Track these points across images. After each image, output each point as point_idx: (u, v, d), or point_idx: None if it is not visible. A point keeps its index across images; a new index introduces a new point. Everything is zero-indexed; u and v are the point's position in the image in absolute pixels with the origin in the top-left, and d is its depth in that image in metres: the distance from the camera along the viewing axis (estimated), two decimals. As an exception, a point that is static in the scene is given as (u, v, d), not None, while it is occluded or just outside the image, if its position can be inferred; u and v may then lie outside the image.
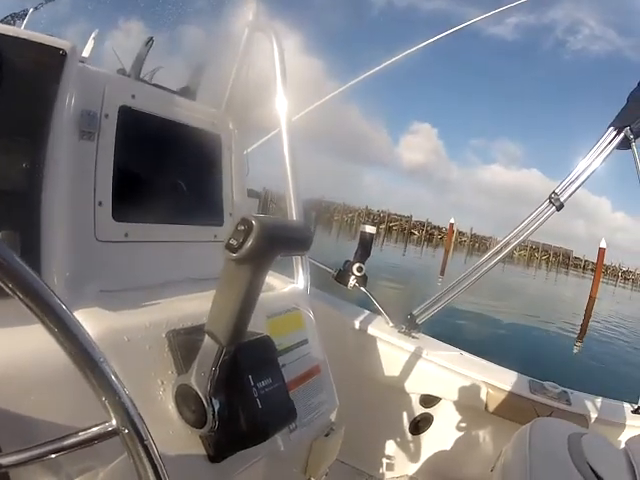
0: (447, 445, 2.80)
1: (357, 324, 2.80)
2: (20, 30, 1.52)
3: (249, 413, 1.35)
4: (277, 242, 1.21)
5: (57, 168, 1.47)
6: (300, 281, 2.20)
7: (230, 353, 1.27)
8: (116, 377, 0.75)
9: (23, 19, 2.40)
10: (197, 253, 2.01)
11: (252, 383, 1.38)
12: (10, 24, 1.85)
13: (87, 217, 1.62)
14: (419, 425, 2.86)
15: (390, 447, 2.90)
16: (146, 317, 1.43)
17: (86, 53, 2.05)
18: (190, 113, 2.11)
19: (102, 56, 2.22)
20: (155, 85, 2.13)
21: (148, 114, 1.90)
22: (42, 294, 0.70)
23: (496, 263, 2.91)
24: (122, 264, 1.72)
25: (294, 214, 2.23)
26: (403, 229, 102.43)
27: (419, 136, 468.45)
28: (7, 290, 0.67)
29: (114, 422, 0.74)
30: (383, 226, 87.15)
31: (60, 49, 1.53)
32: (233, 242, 1.10)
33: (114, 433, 0.74)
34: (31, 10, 2.43)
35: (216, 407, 1.27)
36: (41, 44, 1.50)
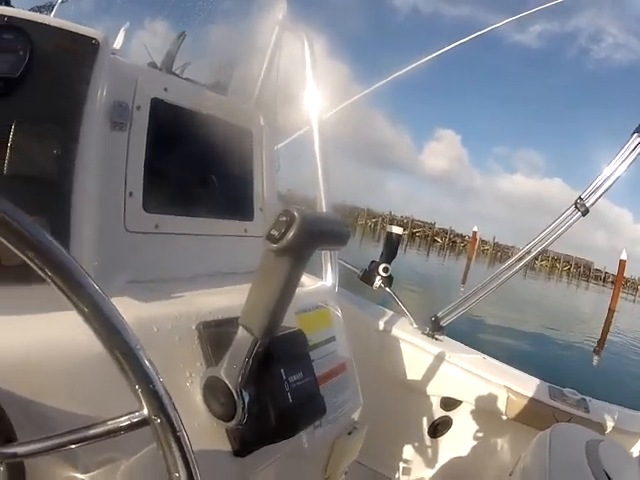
0: (465, 449, 2.75)
1: (381, 324, 2.77)
2: (52, 18, 1.50)
3: (279, 407, 1.32)
4: (317, 235, 1.19)
5: (88, 157, 1.45)
6: (328, 279, 2.18)
7: (264, 346, 1.24)
8: (151, 364, 0.71)
9: (48, 11, 2.38)
10: (227, 247, 1.99)
11: (284, 377, 1.36)
12: None
13: (117, 207, 1.61)
14: (438, 428, 2.81)
15: (408, 450, 2.85)
16: (176, 308, 1.41)
17: (117, 45, 2.04)
18: (222, 108, 2.08)
19: (132, 50, 2.22)
20: (186, 79, 2.11)
21: (180, 107, 1.89)
22: (75, 273, 0.67)
23: (520, 268, 2.86)
24: (151, 255, 1.69)
25: None
26: (426, 236, 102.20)
27: (443, 143, 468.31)
28: (37, 269, 0.64)
29: (145, 411, 0.70)
30: (407, 232, 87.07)
31: (92, 39, 1.50)
32: (274, 233, 1.08)
33: (144, 423, 0.71)
34: (59, 1, 2.42)
35: (246, 400, 1.24)
36: (73, 33, 1.48)
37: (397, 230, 2.66)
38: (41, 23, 1.43)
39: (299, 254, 1.14)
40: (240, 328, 1.23)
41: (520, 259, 2.84)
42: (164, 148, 1.80)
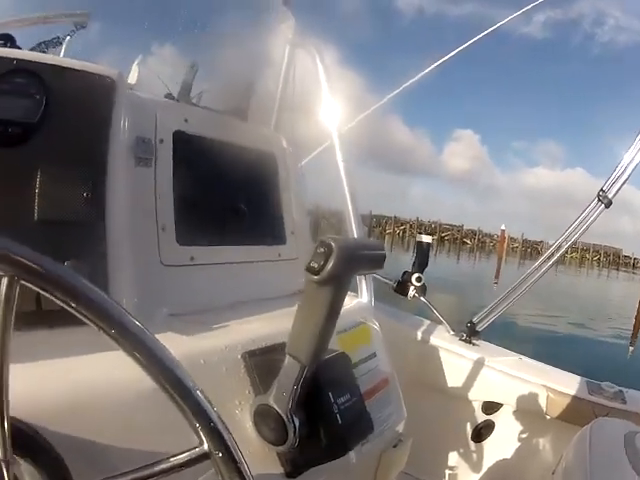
0: (509, 451, 2.72)
1: (419, 334, 2.76)
2: (63, 59, 1.51)
3: (329, 429, 1.35)
4: (355, 262, 1.23)
5: (117, 196, 1.46)
6: (364, 295, 2.17)
7: (311, 372, 1.26)
8: (207, 400, 0.73)
9: (54, 47, 2.33)
10: (262, 272, 1.99)
11: (332, 400, 1.38)
12: (44, 52, 1.91)
13: (151, 242, 1.61)
14: (481, 432, 2.79)
15: (453, 456, 2.83)
16: (221, 340, 1.43)
17: (132, 80, 2.03)
18: (243, 134, 2.08)
19: (147, 83, 2.16)
20: (205, 108, 2.11)
21: (202, 137, 1.88)
22: (118, 316, 0.68)
23: (551, 266, 2.85)
24: (189, 287, 1.69)
25: (354, 229, 2.20)
26: (455, 239, 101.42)
27: (462, 143, 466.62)
28: (81, 317, 0.65)
29: (206, 446, 0.72)
30: (435, 237, 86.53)
31: (108, 77, 1.51)
32: (314, 265, 1.12)
33: (205, 457, 0.72)
34: (67, 38, 2.38)
35: (297, 424, 1.26)
36: (88, 72, 1.48)
37: (427, 239, 2.66)
38: (53, 65, 1.43)
39: (339, 282, 1.17)
40: (287, 356, 1.25)
41: (550, 257, 2.83)
42: (191, 179, 1.80)
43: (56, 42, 2.32)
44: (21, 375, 0.66)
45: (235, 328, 1.55)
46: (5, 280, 0.61)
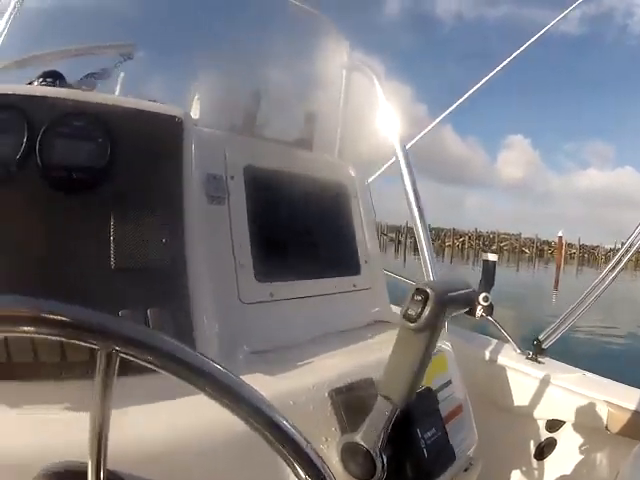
0: (569, 468, 2.68)
1: (487, 354, 2.76)
2: (126, 99, 1.52)
3: (416, 463, 1.37)
4: (450, 305, 1.25)
5: (195, 237, 1.45)
6: None
7: (402, 411, 1.28)
8: (306, 440, 0.76)
9: (103, 79, 2.18)
10: (338, 304, 1.98)
11: (420, 435, 1.41)
12: (92, 86, 1.86)
13: (230, 281, 1.61)
14: (544, 450, 2.75)
15: (516, 475, 2.80)
16: (307, 378, 1.44)
17: (194, 115, 2.01)
18: (312, 164, 2.09)
19: (207, 114, 2.13)
20: (271, 139, 2.11)
21: (273, 171, 1.87)
22: (202, 365, 0.69)
23: (615, 277, 2.78)
24: (268, 324, 1.69)
25: (424, 246, 2.20)
26: (514, 248, 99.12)
27: (515, 150, 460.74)
28: (163, 371, 0.66)
29: None
30: (494, 247, 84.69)
31: (175, 117, 1.51)
32: (411, 312, 1.14)
33: None
34: (122, 75, 2.34)
35: (384, 460, 1.27)
36: (154, 113, 1.49)
37: (493, 257, 2.64)
38: (116, 106, 1.44)
39: (435, 326, 1.19)
40: (379, 397, 1.27)
41: (614, 267, 2.78)
42: (265, 215, 1.79)
43: (104, 74, 2.23)
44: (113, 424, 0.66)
45: (318, 365, 1.55)
46: (104, 354, 0.62)
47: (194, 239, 1.45)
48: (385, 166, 3.31)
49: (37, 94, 1.39)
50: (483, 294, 2.60)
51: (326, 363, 1.59)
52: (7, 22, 2.24)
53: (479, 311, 2.62)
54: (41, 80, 1.76)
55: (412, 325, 1.14)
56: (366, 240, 2.21)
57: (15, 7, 2.25)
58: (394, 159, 2.40)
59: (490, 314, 2.64)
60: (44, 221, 1.27)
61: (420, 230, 2.26)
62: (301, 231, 1.95)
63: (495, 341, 2.88)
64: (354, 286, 2.08)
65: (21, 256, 1.21)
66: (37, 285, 1.16)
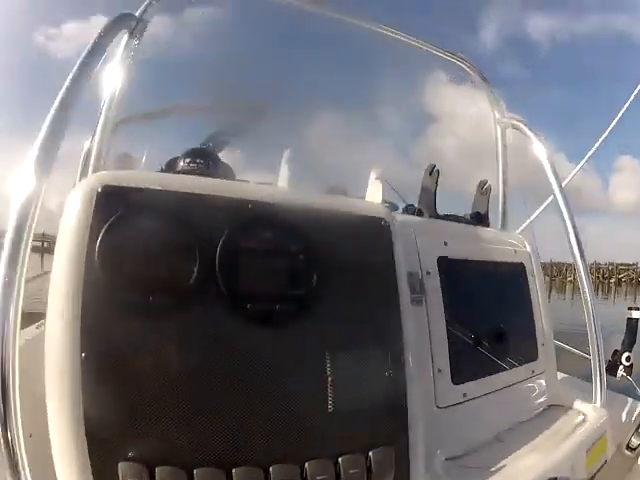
0: None
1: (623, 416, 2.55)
2: (322, 199, 1.37)
3: None
4: None
5: (412, 360, 1.27)
6: (598, 399, 2.00)
7: None
8: None
9: (234, 136, 2.07)
10: (517, 394, 1.89)
11: None
12: (223, 146, 1.77)
13: (428, 387, 1.50)
14: None
15: None
16: None
17: (378, 198, 1.84)
18: (496, 245, 1.95)
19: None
20: (453, 218, 1.99)
21: (464, 260, 1.75)
22: None
23: None
24: (460, 426, 1.61)
25: (585, 286, 2.05)
26: (631, 279, 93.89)
27: (625, 172, 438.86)
28: None
29: None
30: (613, 279, 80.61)
31: (381, 219, 1.32)
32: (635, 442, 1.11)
33: None
34: (284, 164, 2.05)
35: None
36: (356, 215, 1.29)
37: (637, 314, 2.50)
38: (311, 209, 1.23)
39: None
40: None
41: None
42: (459, 311, 1.66)
43: (235, 132, 2.08)
44: None
45: (512, 469, 1.47)
46: None
47: (413, 364, 1.27)
48: (542, 206, 3.18)
49: (202, 192, 1.15)
50: (626, 354, 2.46)
51: (518, 466, 1.50)
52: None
53: (620, 371, 2.46)
54: (189, 161, 1.60)
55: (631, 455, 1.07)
56: (543, 321, 2.08)
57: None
58: (551, 198, 2.28)
59: (630, 374, 2.47)
60: (237, 357, 1.09)
61: (581, 269, 2.08)
62: (492, 323, 1.81)
63: (630, 400, 2.67)
64: (532, 372, 1.97)
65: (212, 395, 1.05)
66: (255, 422, 1.06)
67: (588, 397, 2.03)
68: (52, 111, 1.14)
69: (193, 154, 1.62)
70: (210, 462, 0.98)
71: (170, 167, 1.72)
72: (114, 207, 1.05)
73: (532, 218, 3.17)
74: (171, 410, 1.00)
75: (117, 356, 1.01)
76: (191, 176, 1.35)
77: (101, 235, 1.02)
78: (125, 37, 1.65)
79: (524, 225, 2.97)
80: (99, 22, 1.48)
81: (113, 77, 1.61)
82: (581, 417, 1.86)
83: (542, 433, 1.72)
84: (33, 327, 2.06)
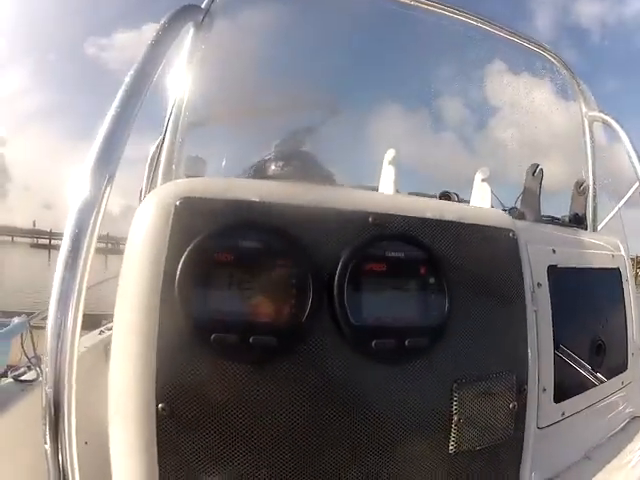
0: None
1: None
2: (459, 209, 1.24)
3: None
4: None
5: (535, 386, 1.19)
6: None
7: None
8: None
9: (309, 135, 1.85)
10: (606, 408, 1.75)
11: None
12: (300, 143, 1.62)
13: (532, 409, 1.32)
14: None
15: None
16: None
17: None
18: (595, 250, 1.80)
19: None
20: (557, 221, 1.89)
21: (570, 268, 1.59)
22: None
23: None
24: (556, 446, 1.47)
25: None
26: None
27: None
28: None
29: None
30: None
31: (510, 230, 1.19)
32: None
33: None
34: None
35: None
36: (481, 226, 1.15)
37: None
38: (440, 221, 1.08)
39: None
40: None
41: None
42: (564, 325, 1.51)
43: (310, 131, 1.88)
44: None
45: None
46: None
47: (530, 391, 1.17)
48: (629, 194, 3.07)
49: (311, 203, 0.98)
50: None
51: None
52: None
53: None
54: (282, 164, 1.40)
55: None
56: (635, 328, 1.91)
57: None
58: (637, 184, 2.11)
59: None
60: (356, 404, 0.95)
61: None
62: (592, 334, 1.67)
63: None
64: (622, 384, 1.82)
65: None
66: (364, 456, 0.95)
67: None
68: (113, 110, 0.91)
69: (286, 156, 1.41)
70: None
71: (259, 172, 1.49)
72: (197, 224, 0.89)
73: (611, 216, 3.02)
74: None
75: (202, 405, 0.86)
76: (293, 183, 1.10)
77: (182, 261, 0.86)
78: (191, 31, 1.44)
79: (605, 221, 2.83)
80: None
81: (181, 74, 1.41)
82: None
83: (630, 447, 1.60)
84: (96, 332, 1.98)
